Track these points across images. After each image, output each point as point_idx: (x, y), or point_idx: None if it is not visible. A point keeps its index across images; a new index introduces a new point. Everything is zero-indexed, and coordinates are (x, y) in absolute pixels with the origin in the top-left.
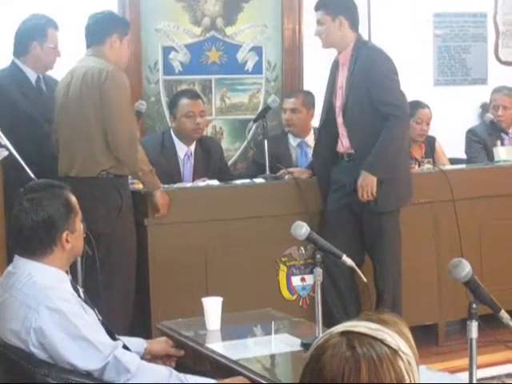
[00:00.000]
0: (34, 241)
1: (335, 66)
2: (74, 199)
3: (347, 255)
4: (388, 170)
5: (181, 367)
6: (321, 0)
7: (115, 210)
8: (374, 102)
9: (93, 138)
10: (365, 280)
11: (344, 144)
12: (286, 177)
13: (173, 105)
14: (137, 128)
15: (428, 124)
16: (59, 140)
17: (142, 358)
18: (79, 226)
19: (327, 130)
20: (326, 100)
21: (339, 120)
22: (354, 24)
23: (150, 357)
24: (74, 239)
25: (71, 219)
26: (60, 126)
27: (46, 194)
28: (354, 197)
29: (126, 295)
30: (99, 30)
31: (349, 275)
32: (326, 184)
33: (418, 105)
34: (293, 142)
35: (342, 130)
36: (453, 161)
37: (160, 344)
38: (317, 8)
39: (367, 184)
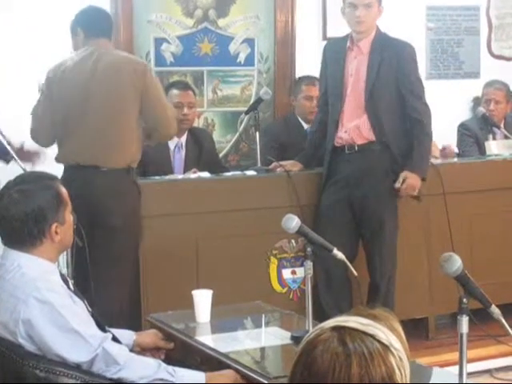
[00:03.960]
0: (24, 232)
1: (340, 53)
2: (64, 191)
3: (340, 248)
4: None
5: (170, 360)
6: None
7: (134, 203)
8: (405, 92)
9: (131, 129)
10: (355, 274)
11: (342, 136)
12: (278, 169)
13: None
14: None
15: None
16: (79, 126)
17: (131, 350)
18: (69, 217)
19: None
20: (329, 88)
21: (346, 109)
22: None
23: (140, 349)
24: (63, 231)
25: (61, 211)
26: (83, 113)
27: (36, 186)
28: (355, 189)
29: (127, 288)
30: (110, 26)
31: (341, 268)
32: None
33: None
34: (305, 126)
35: (344, 121)
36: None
37: (149, 336)
38: None
39: (413, 185)
